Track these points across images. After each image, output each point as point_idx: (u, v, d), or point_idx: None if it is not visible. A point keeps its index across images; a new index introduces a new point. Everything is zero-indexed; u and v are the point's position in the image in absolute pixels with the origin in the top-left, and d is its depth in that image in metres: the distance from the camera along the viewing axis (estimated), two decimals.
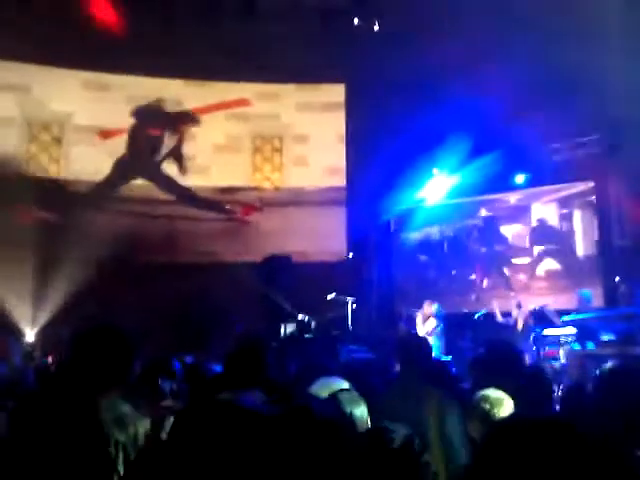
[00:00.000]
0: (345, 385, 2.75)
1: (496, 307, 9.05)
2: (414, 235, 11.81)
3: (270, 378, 2.89)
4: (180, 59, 11.14)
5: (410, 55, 10.15)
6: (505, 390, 2.79)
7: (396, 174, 10.99)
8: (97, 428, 2.08)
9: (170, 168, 12.04)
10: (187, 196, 11.97)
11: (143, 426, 2.21)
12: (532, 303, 8.84)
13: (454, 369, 5.09)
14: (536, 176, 10.41)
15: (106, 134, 11.72)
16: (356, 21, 11.26)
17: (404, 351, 3.22)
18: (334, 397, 2.41)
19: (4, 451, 2.11)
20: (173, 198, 11.94)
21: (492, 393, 2.75)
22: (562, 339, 7.08)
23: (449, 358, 7.14)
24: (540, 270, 10.42)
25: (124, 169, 11.80)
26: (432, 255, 11.66)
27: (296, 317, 9.61)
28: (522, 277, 10.52)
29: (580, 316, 7.25)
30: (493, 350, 3.99)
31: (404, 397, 2.98)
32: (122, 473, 2.08)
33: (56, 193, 11.27)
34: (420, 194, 11.44)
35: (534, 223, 10.66)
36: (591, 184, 10.05)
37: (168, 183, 11.94)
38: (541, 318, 7.89)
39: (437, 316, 8.92)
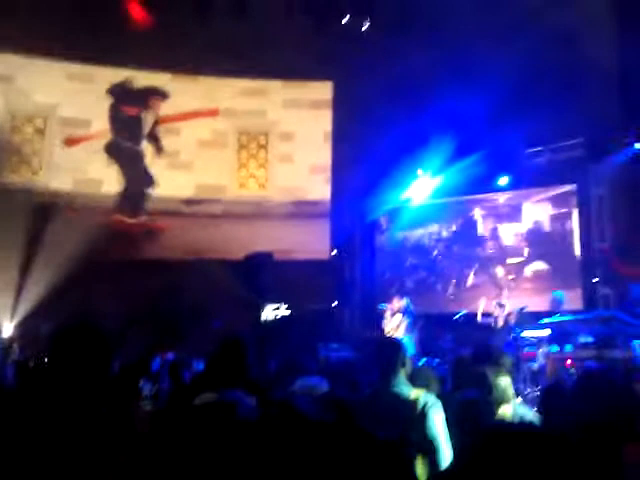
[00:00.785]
0: (324, 385, 2.77)
1: (482, 306, 9.04)
2: (399, 235, 11.85)
3: (251, 378, 2.90)
4: (168, 53, 11.03)
5: (397, 56, 10.20)
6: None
7: (381, 174, 11.03)
8: (76, 427, 2.07)
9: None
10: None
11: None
12: (516, 304, 8.81)
13: (434, 369, 5.10)
14: (518, 178, 10.50)
15: (72, 141, 11.55)
16: (345, 20, 11.26)
17: (379, 354, 3.22)
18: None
19: None
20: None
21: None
22: (540, 341, 7.14)
23: (424, 359, 7.11)
24: (528, 271, 10.49)
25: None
26: (417, 255, 11.71)
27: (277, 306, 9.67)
28: (510, 277, 10.56)
29: (559, 318, 7.30)
30: (478, 352, 4.04)
31: (386, 399, 2.99)
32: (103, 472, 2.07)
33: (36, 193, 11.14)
34: (405, 194, 11.49)
35: (525, 223, 10.70)
36: (573, 187, 10.16)
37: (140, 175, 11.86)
38: (521, 319, 7.94)
39: (406, 311, 8.73)
